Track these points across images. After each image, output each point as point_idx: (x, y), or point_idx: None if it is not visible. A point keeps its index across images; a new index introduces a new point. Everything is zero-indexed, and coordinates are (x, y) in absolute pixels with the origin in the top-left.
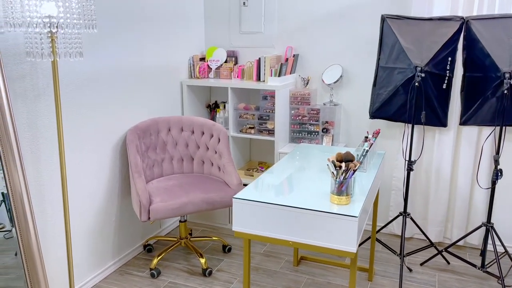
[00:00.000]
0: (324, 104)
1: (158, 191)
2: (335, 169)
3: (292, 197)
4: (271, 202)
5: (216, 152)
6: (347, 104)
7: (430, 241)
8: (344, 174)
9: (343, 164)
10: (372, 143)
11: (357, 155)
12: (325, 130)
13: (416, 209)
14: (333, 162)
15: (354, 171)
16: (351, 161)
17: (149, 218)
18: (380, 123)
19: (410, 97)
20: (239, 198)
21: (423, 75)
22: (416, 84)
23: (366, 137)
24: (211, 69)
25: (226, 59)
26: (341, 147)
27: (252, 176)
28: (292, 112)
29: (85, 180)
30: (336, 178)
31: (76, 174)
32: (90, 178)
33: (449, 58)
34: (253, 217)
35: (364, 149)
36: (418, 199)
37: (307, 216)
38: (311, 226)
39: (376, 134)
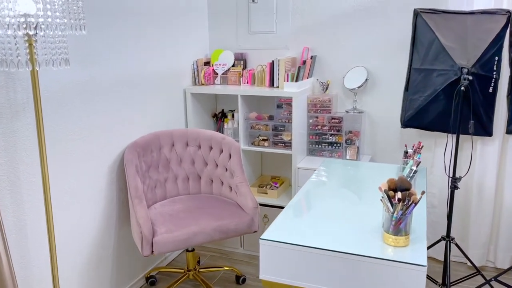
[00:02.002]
0: (347, 111)
1: (163, 219)
2: (391, 202)
3: (334, 236)
4: (308, 245)
5: (227, 170)
6: (372, 112)
7: (477, 269)
8: (403, 209)
9: (398, 194)
10: (419, 162)
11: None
12: (349, 141)
13: (454, 229)
14: (385, 191)
15: (416, 204)
16: (407, 189)
17: (152, 252)
18: (411, 132)
19: (454, 103)
20: (268, 240)
21: (470, 77)
22: (462, 88)
23: (406, 152)
24: (217, 74)
25: (234, 63)
26: (366, 161)
27: (266, 193)
28: (310, 121)
29: (76, 209)
30: (393, 213)
31: (65, 203)
32: (82, 207)
33: (496, 57)
34: (285, 263)
35: (412, 169)
36: (457, 218)
37: (356, 263)
38: (362, 276)
39: (419, 149)
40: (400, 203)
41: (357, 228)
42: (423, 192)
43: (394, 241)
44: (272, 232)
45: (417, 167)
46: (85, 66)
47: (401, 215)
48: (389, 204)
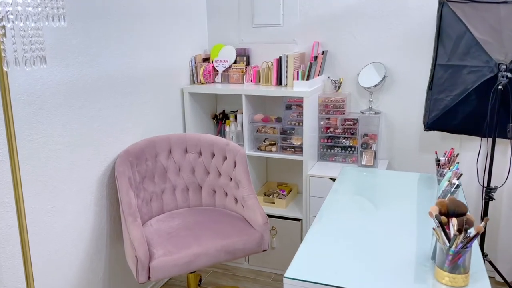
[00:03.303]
0: (362, 112)
1: (160, 238)
2: (445, 232)
3: (373, 271)
4: (344, 285)
5: (231, 180)
6: (390, 112)
7: (510, 286)
8: (463, 242)
9: (453, 221)
10: (460, 174)
11: (442, 192)
12: (365, 145)
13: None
14: (437, 217)
15: (479, 234)
16: (464, 214)
17: (149, 278)
18: (432, 135)
19: (491, 104)
20: (293, 279)
21: (509, 75)
22: (500, 87)
23: (439, 161)
24: (218, 71)
25: (236, 59)
26: (383, 167)
27: (273, 203)
28: (322, 123)
29: (60, 230)
30: (451, 246)
31: (47, 225)
32: (66, 227)
33: None
34: None
35: (454, 184)
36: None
37: None
38: None
39: (454, 157)
40: (462, 234)
41: (398, 258)
42: (486, 219)
43: (451, 280)
44: (296, 267)
45: (458, 180)
46: (68, 65)
47: (461, 248)
48: (443, 235)
